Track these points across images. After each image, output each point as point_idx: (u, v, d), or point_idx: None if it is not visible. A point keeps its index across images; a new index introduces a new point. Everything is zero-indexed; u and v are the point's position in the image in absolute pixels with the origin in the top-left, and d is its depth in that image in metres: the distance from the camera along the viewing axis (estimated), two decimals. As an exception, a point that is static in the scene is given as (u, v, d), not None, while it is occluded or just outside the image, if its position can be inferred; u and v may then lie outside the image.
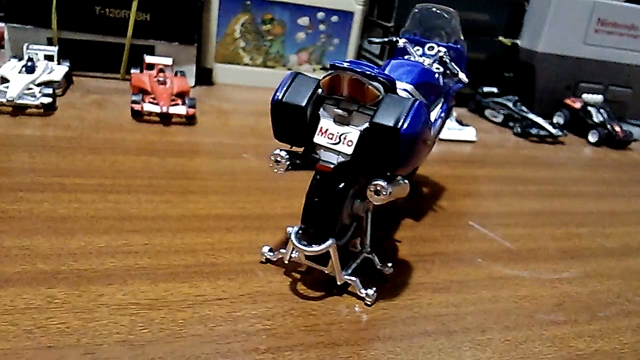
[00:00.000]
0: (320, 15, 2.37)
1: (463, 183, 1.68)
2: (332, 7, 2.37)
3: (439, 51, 1.30)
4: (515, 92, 2.56)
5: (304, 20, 2.36)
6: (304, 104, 0.90)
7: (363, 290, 0.98)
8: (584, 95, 2.48)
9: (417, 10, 1.40)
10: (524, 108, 2.42)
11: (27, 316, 0.82)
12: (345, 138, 0.90)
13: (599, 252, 1.36)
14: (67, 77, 1.97)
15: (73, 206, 1.16)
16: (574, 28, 2.52)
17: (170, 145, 1.60)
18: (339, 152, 0.90)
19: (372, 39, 1.38)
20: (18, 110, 1.64)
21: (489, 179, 1.76)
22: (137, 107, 1.74)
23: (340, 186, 0.92)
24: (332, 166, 0.90)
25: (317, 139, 0.92)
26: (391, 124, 0.84)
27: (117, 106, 1.84)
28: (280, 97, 0.92)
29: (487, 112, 2.50)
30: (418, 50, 1.35)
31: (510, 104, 2.43)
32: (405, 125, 0.84)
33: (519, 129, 2.30)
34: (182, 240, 1.09)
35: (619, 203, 1.73)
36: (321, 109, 0.93)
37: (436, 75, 1.27)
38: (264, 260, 1.06)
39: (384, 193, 0.88)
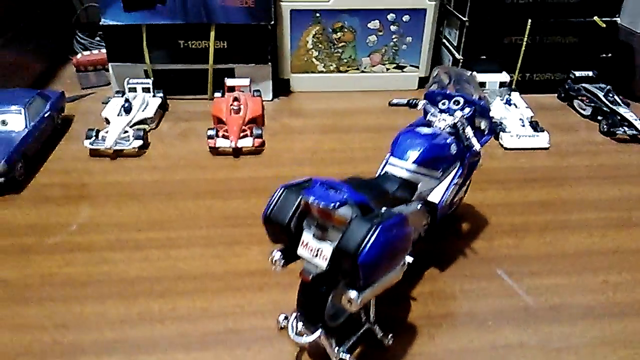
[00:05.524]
0: (391, 16, 2.36)
1: (509, 214, 1.63)
2: (402, 7, 2.34)
3: (460, 110, 1.32)
4: (615, 76, 2.31)
5: (374, 24, 2.37)
6: (286, 222, 1.04)
7: (356, 368, 1.13)
8: (700, 81, 2.17)
9: (438, 70, 1.40)
10: (617, 98, 2.16)
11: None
12: (321, 253, 1.02)
13: (630, 309, 1.28)
14: (162, 106, 2.27)
15: (141, 266, 1.42)
16: (684, 3, 2.19)
17: (234, 183, 1.79)
18: (316, 265, 1.03)
19: (392, 101, 1.41)
20: (116, 152, 1.96)
21: (542, 206, 1.67)
22: (211, 142, 1.98)
23: (322, 289, 1.05)
24: (310, 277, 1.03)
25: (300, 251, 1.05)
26: (351, 251, 0.95)
27: (199, 137, 2.06)
28: (267, 214, 1.06)
29: (576, 103, 2.30)
30: (444, 103, 1.36)
31: (600, 94, 2.18)
32: (364, 253, 0.94)
33: (605, 127, 2.09)
34: (219, 303, 1.30)
35: None
36: (305, 222, 1.06)
37: (448, 140, 1.29)
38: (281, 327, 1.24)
39: (355, 304, 1.00)
